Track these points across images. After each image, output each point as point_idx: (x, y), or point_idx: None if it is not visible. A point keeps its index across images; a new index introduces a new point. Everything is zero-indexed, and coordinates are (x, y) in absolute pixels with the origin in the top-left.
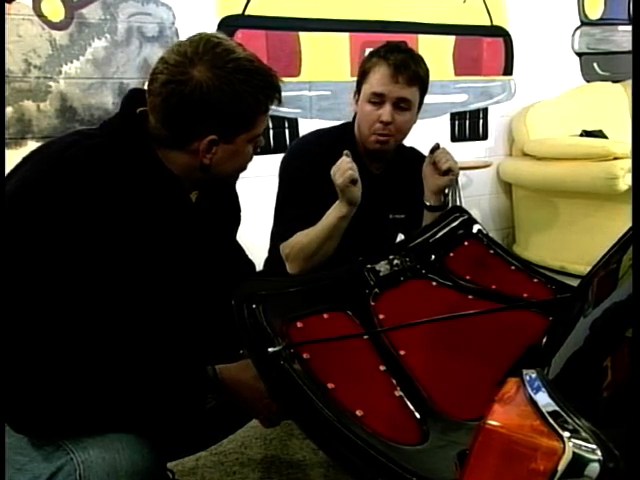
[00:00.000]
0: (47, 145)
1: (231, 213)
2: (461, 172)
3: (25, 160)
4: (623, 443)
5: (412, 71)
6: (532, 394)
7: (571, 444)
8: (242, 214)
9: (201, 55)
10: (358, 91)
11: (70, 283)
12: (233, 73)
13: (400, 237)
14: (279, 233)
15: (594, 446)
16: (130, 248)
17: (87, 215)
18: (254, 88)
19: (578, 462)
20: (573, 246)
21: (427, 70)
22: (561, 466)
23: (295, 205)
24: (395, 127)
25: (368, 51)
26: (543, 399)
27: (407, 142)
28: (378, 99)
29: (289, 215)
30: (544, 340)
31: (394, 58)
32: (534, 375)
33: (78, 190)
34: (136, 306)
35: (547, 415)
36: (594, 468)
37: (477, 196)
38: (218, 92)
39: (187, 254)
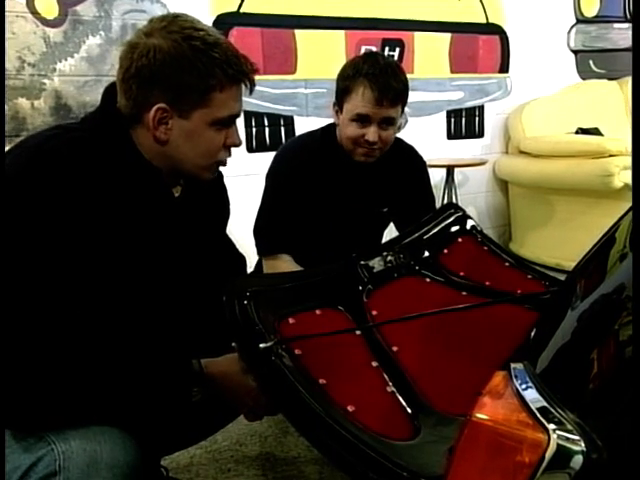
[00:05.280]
0: (26, 139)
1: (219, 207)
2: (457, 169)
3: (5, 154)
4: (607, 434)
5: (394, 91)
6: (519, 387)
7: (556, 436)
8: (239, 211)
9: (159, 23)
10: (339, 105)
11: (53, 275)
12: (187, 40)
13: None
14: (260, 241)
15: (578, 438)
16: (111, 241)
17: (67, 208)
18: (209, 59)
19: (562, 454)
20: (569, 243)
21: (406, 80)
22: (546, 458)
23: (277, 214)
24: (381, 142)
25: (364, 49)
26: (530, 392)
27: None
28: (362, 118)
29: (270, 223)
30: (532, 333)
31: (376, 79)
32: (522, 368)
33: (58, 183)
34: (120, 299)
35: (533, 408)
36: (578, 459)
37: (473, 194)
38: (166, 56)
39: (171, 248)
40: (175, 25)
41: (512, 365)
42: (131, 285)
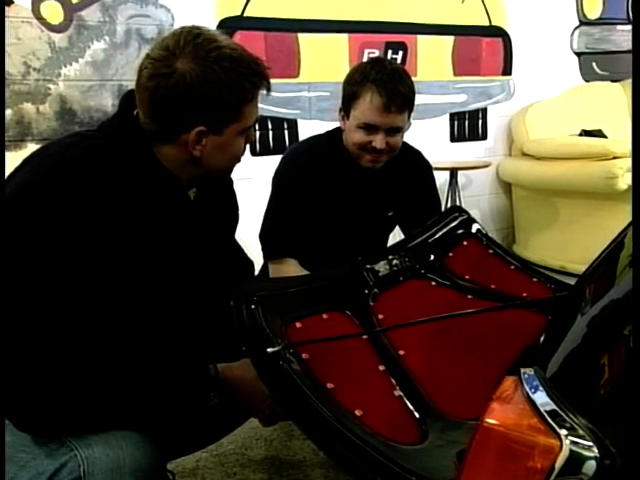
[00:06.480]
0: (46, 147)
1: (230, 211)
2: (461, 172)
3: (25, 162)
4: (620, 440)
5: (402, 97)
6: (530, 392)
7: (568, 442)
8: (242, 214)
9: (183, 47)
10: (345, 110)
11: (72, 282)
12: (216, 62)
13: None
14: (266, 245)
15: (591, 443)
16: (130, 247)
17: (88, 215)
18: (239, 76)
19: (575, 459)
20: (573, 246)
21: (413, 85)
22: (558, 464)
23: (282, 218)
24: (389, 148)
25: (367, 52)
26: (541, 397)
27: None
28: (369, 127)
29: (276, 227)
30: (542, 338)
31: (384, 85)
32: (532, 373)
33: (79, 191)
34: (137, 304)
35: (544, 413)
36: (591, 465)
37: (477, 196)
38: (202, 82)
39: (187, 252)
40: (200, 48)
41: (522, 370)
42: (149, 290)
